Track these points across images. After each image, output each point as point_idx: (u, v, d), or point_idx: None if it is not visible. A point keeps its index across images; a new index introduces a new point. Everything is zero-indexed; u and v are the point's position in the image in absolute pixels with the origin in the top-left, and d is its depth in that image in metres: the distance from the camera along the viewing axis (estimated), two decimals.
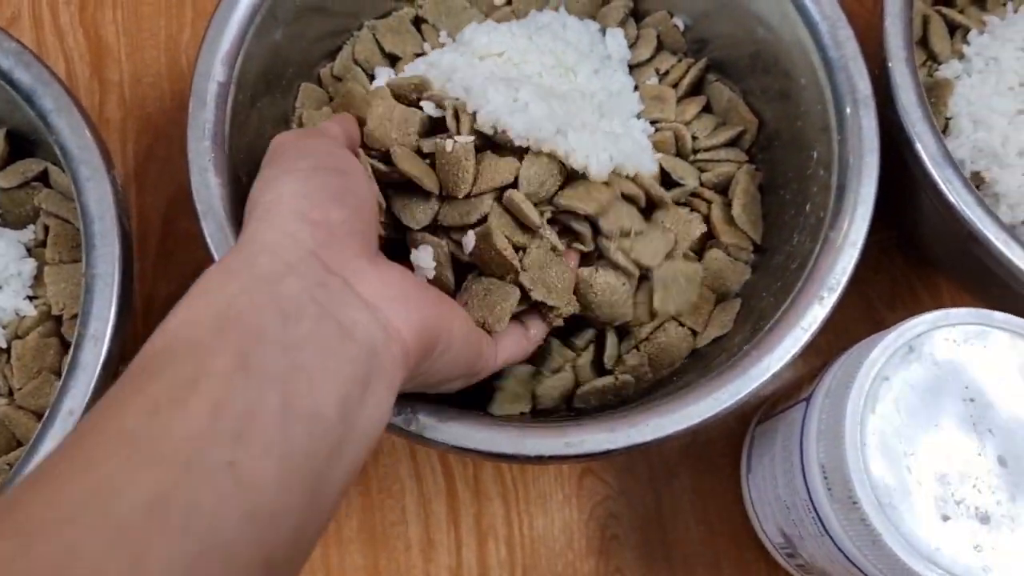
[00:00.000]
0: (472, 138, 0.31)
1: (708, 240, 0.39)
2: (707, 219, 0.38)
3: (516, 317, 0.32)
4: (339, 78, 0.40)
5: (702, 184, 0.39)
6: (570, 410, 0.36)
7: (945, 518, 0.27)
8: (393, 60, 0.40)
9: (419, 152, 0.32)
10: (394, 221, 0.32)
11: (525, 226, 0.31)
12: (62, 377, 0.30)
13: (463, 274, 0.32)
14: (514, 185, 0.31)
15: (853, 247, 0.32)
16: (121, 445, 0.18)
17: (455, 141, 0.31)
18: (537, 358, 0.35)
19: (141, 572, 0.16)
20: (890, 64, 0.35)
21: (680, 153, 0.39)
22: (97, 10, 0.47)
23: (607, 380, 0.35)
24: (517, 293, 0.31)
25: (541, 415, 0.35)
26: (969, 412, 0.28)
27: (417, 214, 0.32)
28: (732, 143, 0.41)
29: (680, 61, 0.42)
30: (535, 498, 0.39)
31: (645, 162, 0.35)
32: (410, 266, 0.31)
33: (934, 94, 0.40)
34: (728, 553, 0.39)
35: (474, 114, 0.31)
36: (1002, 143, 0.38)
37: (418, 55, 0.40)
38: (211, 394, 0.19)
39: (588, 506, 0.39)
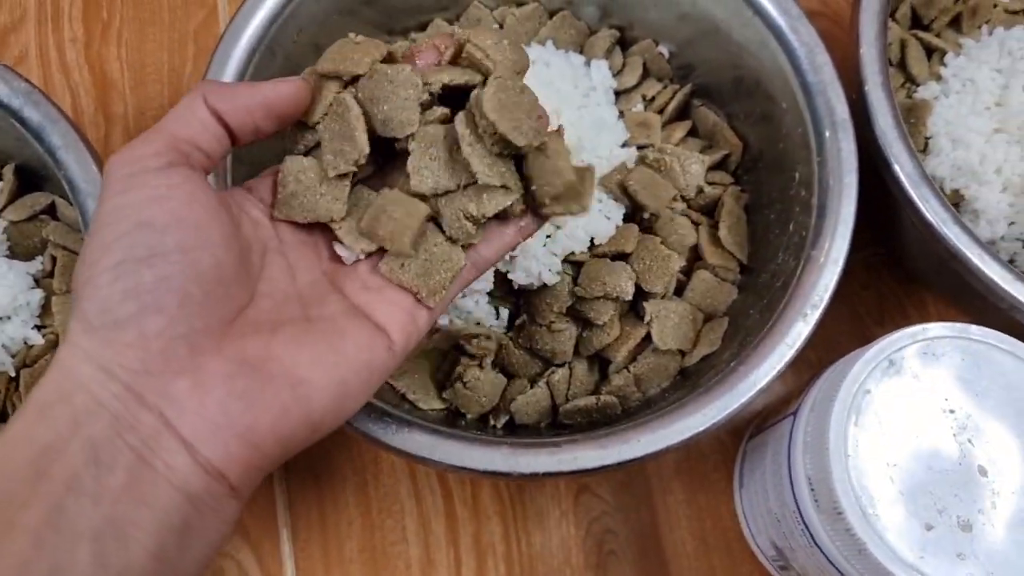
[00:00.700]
0: None
1: (696, 261, 0.40)
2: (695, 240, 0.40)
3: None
4: None
5: (689, 207, 0.41)
6: (558, 427, 0.37)
7: (928, 527, 0.28)
8: None
9: None
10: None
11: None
12: None
13: None
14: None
15: (835, 265, 0.33)
16: None
17: None
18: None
19: None
20: (867, 88, 0.36)
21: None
22: (102, 47, 0.49)
23: (589, 400, 0.36)
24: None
25: (523, 430, 0.36)
26: (949, 423, 0.29)
27: None
28: (718, 166, 0.42)
29: (666, 87, 0.43)
30: (532, 515, 0.40)
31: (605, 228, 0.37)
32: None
33: (913, 115, 0.41)
34: (723, 566, 0.39)
35: None
36: (980, 161, 0.39)
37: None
38: (20, 553, 0.19)
39: (585, 522, 0.40)
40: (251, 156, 0.35)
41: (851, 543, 0.28)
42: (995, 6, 0.44)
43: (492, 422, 0.37)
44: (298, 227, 0.28)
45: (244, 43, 0.36)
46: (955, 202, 0.40)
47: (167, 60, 0.49)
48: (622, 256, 0.37)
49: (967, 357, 0.30)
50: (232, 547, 0.39)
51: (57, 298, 0.38)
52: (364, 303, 0.27)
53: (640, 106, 0.43)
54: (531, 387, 0.37)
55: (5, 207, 0.39)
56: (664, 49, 0.43)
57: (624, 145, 0.40)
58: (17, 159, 0.39)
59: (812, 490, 0.30)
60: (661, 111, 0.43)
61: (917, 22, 0.45)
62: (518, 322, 0.38)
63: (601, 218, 0.37)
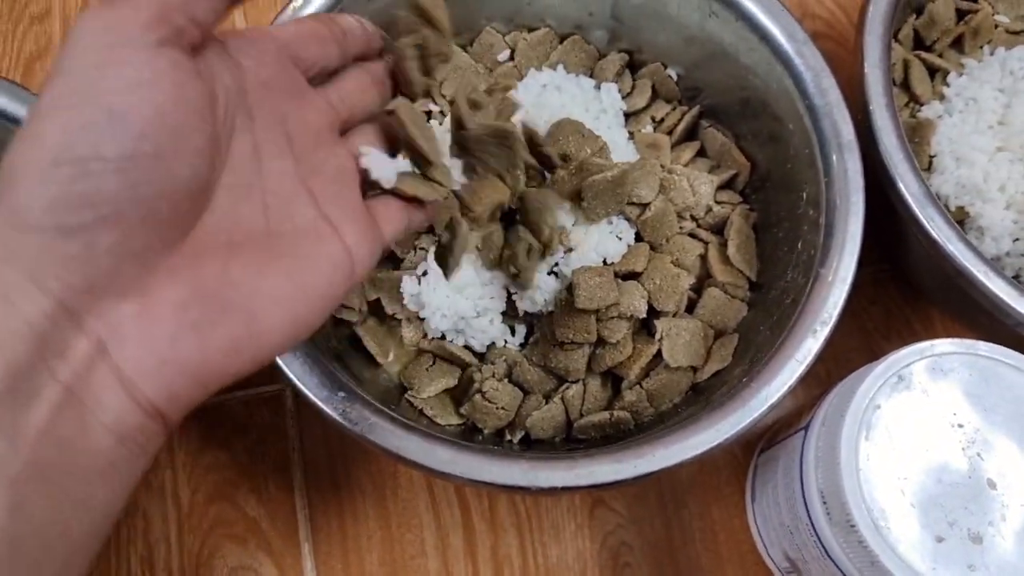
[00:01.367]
0: None
1: (706, 279, 0.41)
2: (704, 259, 0.41)
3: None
4: None
5: (699, 225, 0.42)
6: (572, 441, 0.38)
7: (939, 539, 0.28)
8: None
9: None
10: None
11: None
12: None
13: None
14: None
15: (843, 283, 0.34)
16: None
17: None
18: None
19: None
20: (871, 108, 0.37)
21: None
22: None
23: (603, 416, 0.37)
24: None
25: (538, 445, 0.37)
26: (958, 437, 0.30)
27: None
28: (726, 185, 0.43)
29: (674, 109, 0.44)
30: (548, 529, 0.41)
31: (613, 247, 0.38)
32: None
33: (918, 134, 0.42)
34: None
35: None
36: (984, 179, 0.40)
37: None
38: None
39: (600, 535, 0.41)
40: None
41: (864, 555, 0.29)
42: (996, 27, 0.45)
43: (508, 437, 0.38)
44: (274, 88, 0.24)
45: None
46: (960, 219, 0.41)
47: None
48: (633, 275, 0.38)
49: (975, 372, 0.31)
50: (254, 560, 0.40)
51: None
52: (335, 215, 0.24)
53: (649, 127, 0.44)
54: (546, 403, 0.38)
55: None
56: (672, 72, 0.44)
57: None
58: None
59: (824, 503, 0.31)
60: (670, 132, 0.44)
61: (920, 43, 0.46)
62: (532, 340, 0.39)
63: (612, 238, 0.38)
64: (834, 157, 0.36)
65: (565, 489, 0.31)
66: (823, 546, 0.31)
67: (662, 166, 0.41)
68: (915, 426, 0.30)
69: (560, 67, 0.43)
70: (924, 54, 0.44)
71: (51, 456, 0.18)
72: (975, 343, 0.31)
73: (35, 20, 0.52)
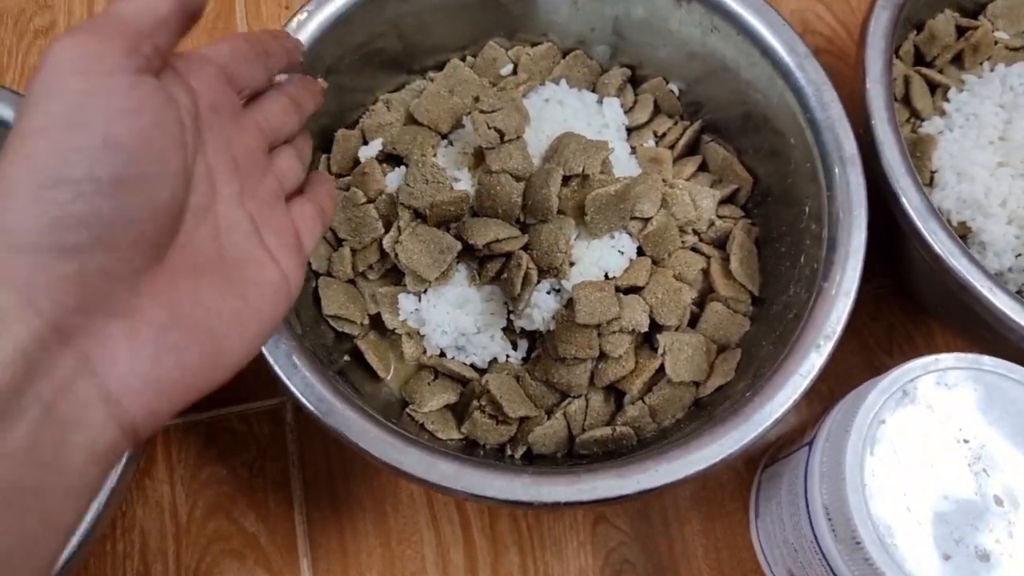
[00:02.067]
0: None
1: (708, 293, 0.40)
2: (706, 273, 0.40)
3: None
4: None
5: (701, 240, 0.41)
6: (574, 457, 0.38)
7: (946, 556, 0.28)
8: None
9: None
10: None
11: None
12: None
13: None
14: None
15: (847, 296, 0.34)
16: None
17: None
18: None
19: None
20: (873, 123, 0.37)
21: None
22: None
23: (605, 431, 0.37)
24: None
25: (540, 460, 0.37)
26: (964, 453, 0.30)
27: None
28: (728, 200, 0.43)
29: (676, 123, 0.45)
30: (550, 545, 0.40)
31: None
32: None
33: (919, 149, 0.42)
34: None
35: None
36: (985, 194, 0.40)
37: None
38: None
39: (603, 552, 0.40)
40: None
41: (870, 572, 0.29)
42: (996, 43, 0.45)
43: (510, 452, 0.38)
44: (220, 111, 0.25)
45: None
46: (962, 234, 0.41)
47: None
48: (635, 290, 0.38)
49: (980, 387, 0.30)
50: None
51: None
52: (271, 242, 0.25)
53: (651, 142, 0.44)
54: (548, 418, 0.37)
55: None
56: (674, 87, 0.45)
57: None
58: None
59: (829, 520, 0.31)
60: (672, 147, 0.44)
61: (920, 59, 0.46)
62: (534, 355, 0.39)
63: (614, 252, 0.38)
64: (836, 170, 0.36)
65: (568, 504, 0.31)
66: (828, 564, 0.31)
67: (664, 180, 0.41)
68: (920, 441, 0.30)
69: (563, 82, 0.43)
70: (925, 70, 0.45)
71: (27, 476, 0.18)
72: (980, 357, 0.31)
73: (39, 33, 0.52)
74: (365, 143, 0.42)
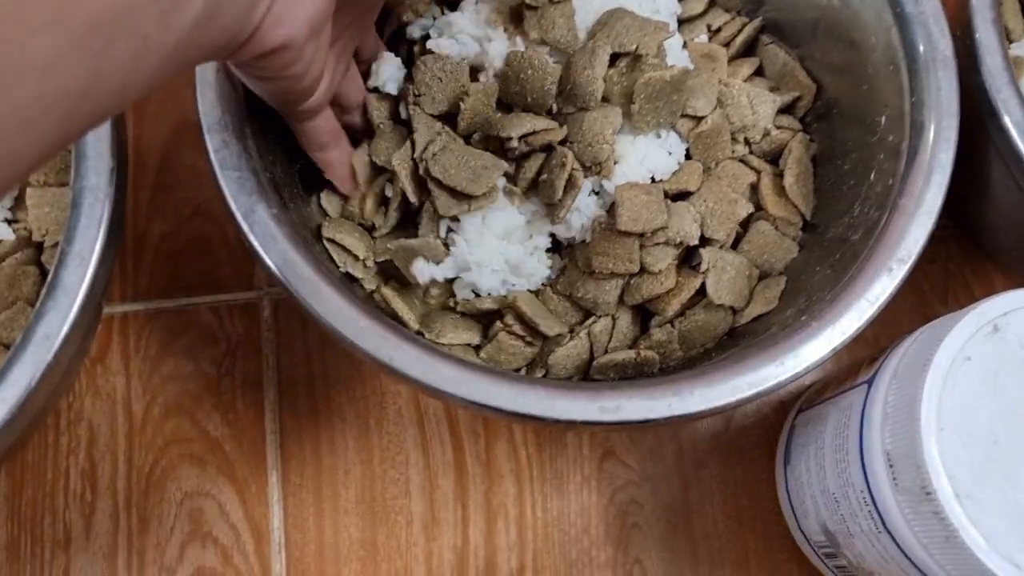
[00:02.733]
0: None
1: (755, 212, 0.36)
2: (755, 188, 0.36)
3: None
4: None
5: (751, 151, 0.36)
6: (588, 381, 0.33)
7: None
8: None
9: None
10: None
11: None
12: (39, 299, 0.27)
13: None
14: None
15: (928, 216, 0.29)
16: None
17: None
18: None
19: None
20: (976, 23, 0.32)
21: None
22: None
23: (628, 354, 0.32)
24: None
25: None
26: None
27: None
28: (785, 110, 0.38)
29: (733, 19, 0.39)
30: (551, 478, 0.36)
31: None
32: None
33: None
34: (757, 548, 0.36)
35: None
36: None
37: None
38: None
39: (608, 491, 0.36)
40: None
41: (938, 529, 0.24)
42: None
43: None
44: None
45: None
46: None
47: None
48: (684, 196, 0.33)
49: None
50: (213, 485, 0.35)
51: (33, 189, 0.33)
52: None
53: (704, 37, 0.38)
54: (570, 338, 0.33)
55: None
56: None
57: None
58: None
59: (891, 467, 0.26)
60: (727, 44, 0.38)
61: None
62: (560, 265, 0.34)
63: (662, 152, 0.33)
64: (925, 73, 0.31)
65: (585, 424, 0.26)
66: (880, 517, 0.27)
67: (719, 80, 0.36)
68: (1011, 383, 0.25)
69: None
70: None
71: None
72: None
73: None
74: None
